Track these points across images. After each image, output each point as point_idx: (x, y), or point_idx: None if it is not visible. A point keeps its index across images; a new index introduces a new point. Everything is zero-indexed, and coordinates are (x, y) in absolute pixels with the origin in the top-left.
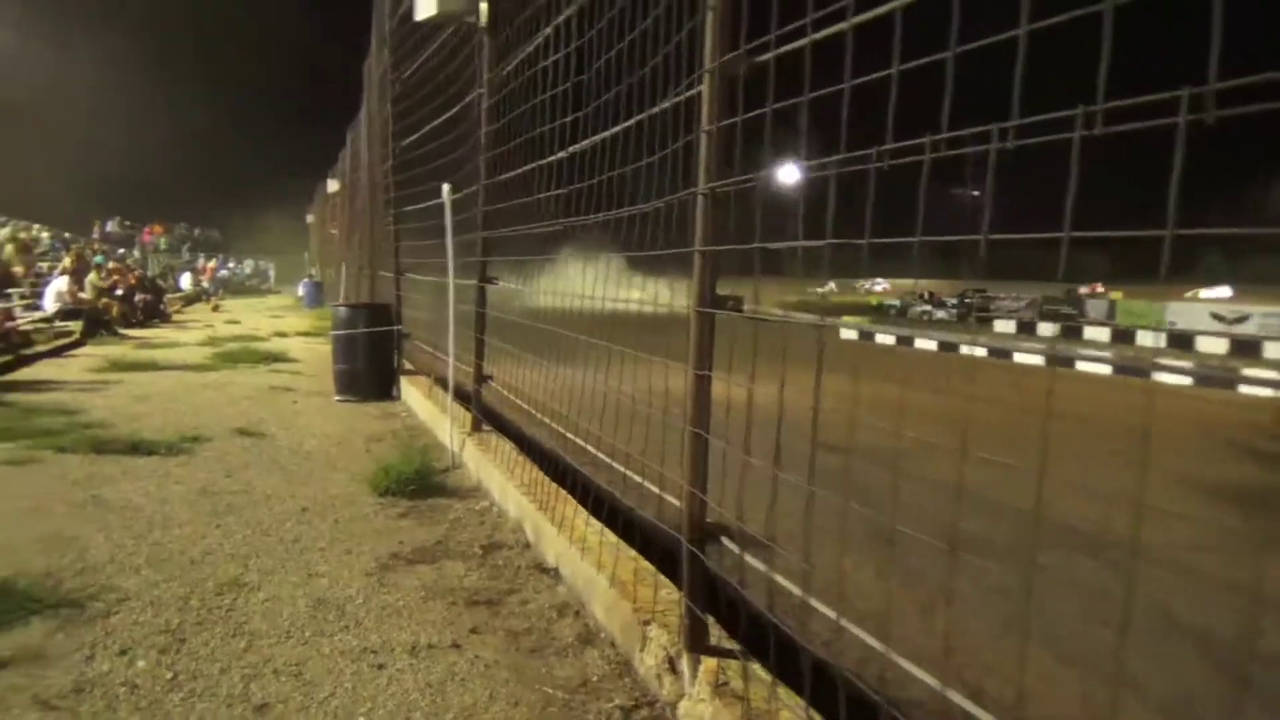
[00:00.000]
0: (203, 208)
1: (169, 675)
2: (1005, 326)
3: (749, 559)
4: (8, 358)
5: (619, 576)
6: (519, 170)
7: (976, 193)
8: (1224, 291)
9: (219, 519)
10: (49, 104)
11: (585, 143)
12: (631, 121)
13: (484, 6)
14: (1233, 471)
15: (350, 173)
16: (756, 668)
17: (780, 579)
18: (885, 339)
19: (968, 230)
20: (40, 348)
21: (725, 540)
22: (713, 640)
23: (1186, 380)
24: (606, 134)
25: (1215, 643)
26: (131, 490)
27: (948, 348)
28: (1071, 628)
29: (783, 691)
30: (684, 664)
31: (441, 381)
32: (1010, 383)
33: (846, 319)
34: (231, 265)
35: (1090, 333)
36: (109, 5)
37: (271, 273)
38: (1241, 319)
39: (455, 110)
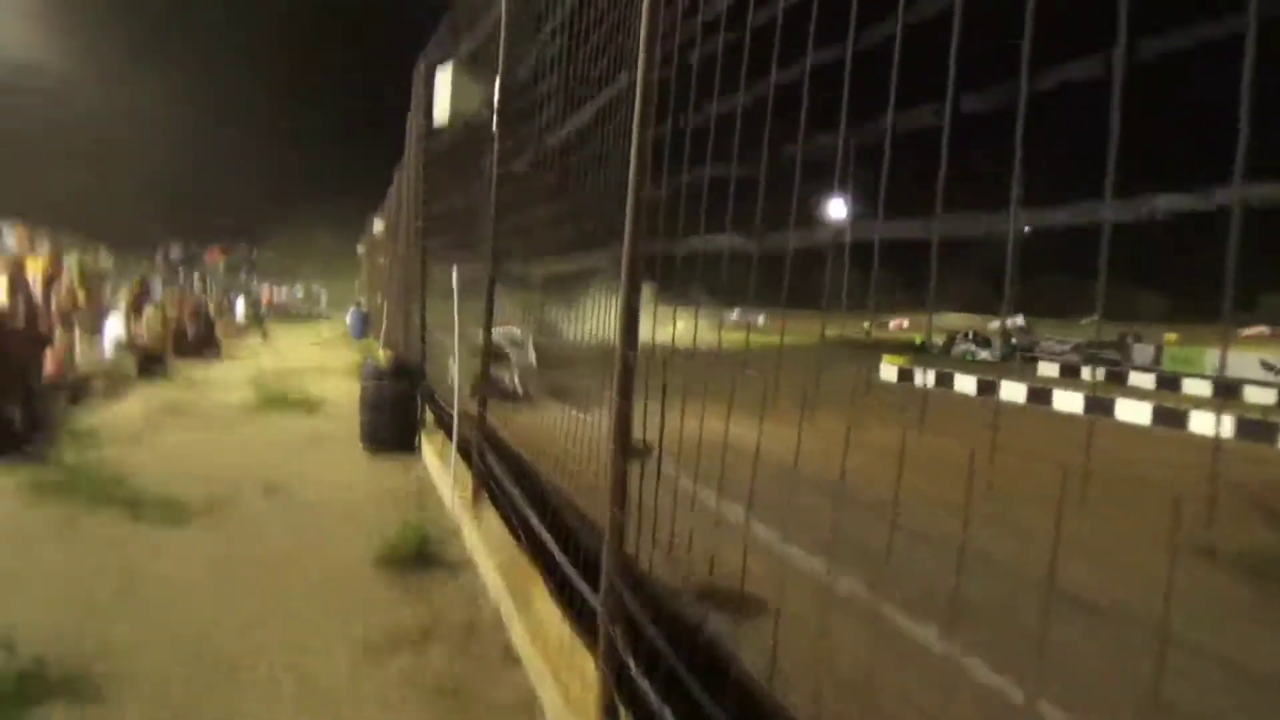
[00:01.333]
0: (262, 228)
1: None
2: (1049, 369)
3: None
4: (65, 404)
5: (561, 678)
6: (518, 267)
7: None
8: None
9: (234, 591)
10: (120, 134)
11: (558, 267)
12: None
13: (494, 115)
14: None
15: (394, 214)
16: None
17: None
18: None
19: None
20: (95, 390)
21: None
22: None
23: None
24: (576, 261)
25: None
26: (161, 562)
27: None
28: None
29: None
30: None
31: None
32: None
33: (887, 358)
34: (284, 289)
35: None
36: (178, 39)
37: (324, 296)
38: None
39: (472, 193)
